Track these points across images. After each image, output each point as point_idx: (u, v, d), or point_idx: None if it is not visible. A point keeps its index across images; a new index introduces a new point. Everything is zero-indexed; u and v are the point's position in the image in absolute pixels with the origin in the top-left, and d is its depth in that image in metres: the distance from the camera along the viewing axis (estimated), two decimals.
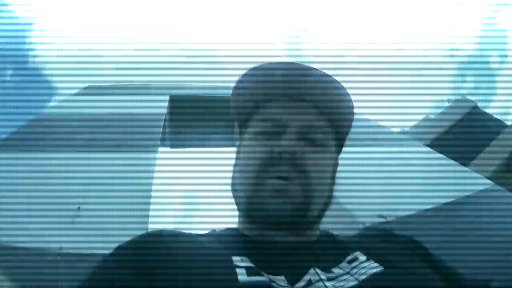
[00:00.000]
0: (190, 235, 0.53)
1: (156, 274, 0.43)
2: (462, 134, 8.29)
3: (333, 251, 0.53)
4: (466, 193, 1.64)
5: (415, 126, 9.21)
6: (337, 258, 0.50)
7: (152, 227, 1.05)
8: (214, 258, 0.46)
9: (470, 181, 1.80)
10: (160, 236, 0.50)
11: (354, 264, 0.49)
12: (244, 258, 0.46)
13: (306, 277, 0.45)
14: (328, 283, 0.44)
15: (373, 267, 0.47)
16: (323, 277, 0.45)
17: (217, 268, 0.44)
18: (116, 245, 0.50)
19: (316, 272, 0.46)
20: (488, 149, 7.84)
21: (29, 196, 1.09)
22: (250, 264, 0.45)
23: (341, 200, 1.35)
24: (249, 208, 0.52)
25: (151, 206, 1.17)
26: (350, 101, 0.59)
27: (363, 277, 0.45)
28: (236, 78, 0.60)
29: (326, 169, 0.56)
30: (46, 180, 1.19)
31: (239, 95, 0.61)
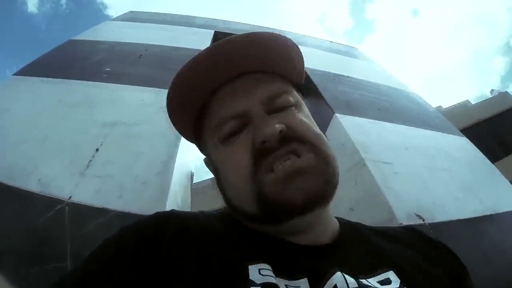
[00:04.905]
0: (201, 224, 0.48)
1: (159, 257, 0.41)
2: (495, 129, 7.91)
3: (361, 253, 0.49)
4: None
5: (451, 108, 8.80)
6: (366, 268, 0.46)
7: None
8: (225, 265, 0.41)
9: None
10: (169, 218, 0.47)
11: (384, 287, 0.44)
12: (260, 263, 0.41)
13: (331, 282, 0.41)
14: None
15: None
16: (351, 285, 0.41)
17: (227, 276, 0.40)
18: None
19: (344, 279, 0.42)
20: None
21: (45, 131, 1.00)
22: (266, 267, 0.41)
23: (381, 187, 1.20)
24: (262, 207, 0.45)
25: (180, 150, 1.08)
26: (294, 46, 0.53)
27: None
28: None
29: (313, 123, 0.51)
30: (66, 114, 1.10)
31: (177, 101, 0.51)
